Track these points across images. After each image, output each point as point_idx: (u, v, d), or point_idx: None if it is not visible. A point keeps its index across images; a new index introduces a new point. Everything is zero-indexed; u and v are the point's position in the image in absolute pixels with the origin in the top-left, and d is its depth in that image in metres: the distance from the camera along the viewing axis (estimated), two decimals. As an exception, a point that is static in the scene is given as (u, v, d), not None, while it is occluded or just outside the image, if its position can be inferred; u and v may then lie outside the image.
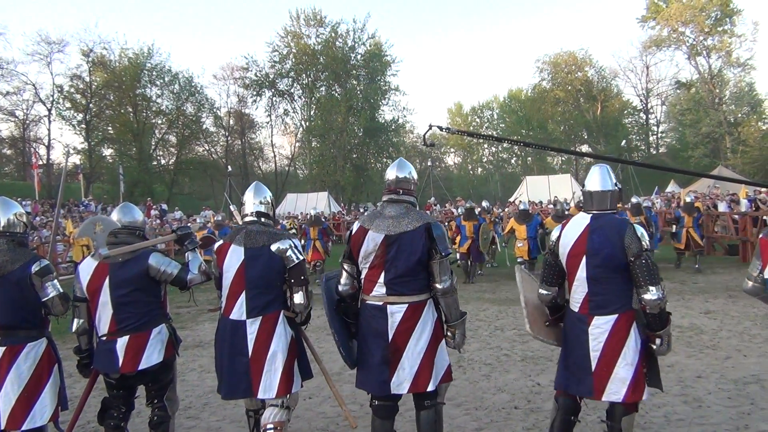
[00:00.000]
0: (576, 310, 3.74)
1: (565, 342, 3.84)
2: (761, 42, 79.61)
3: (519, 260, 12.74)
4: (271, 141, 56.62)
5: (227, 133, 53.46)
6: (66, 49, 41.47)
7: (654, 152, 56.43)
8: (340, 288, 3.94)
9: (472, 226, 13.52)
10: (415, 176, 4.02)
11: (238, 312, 3.84)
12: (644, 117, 57.09)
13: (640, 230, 3.61)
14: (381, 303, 3.72)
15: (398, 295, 3.69)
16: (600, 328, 3.59)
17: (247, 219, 4.11)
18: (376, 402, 3.81)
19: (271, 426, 3.76)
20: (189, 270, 4.19)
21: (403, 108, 51.40)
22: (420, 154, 59.68)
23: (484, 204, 17.94)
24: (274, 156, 56.88)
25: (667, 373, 5.61)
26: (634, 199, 14.23)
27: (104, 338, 3.92)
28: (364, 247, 3.77)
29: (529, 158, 59.39)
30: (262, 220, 4.10)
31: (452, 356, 7.10)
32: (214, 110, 51.49)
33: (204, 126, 51.13)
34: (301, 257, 3.96)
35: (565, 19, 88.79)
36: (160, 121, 48.09)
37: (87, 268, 4.01)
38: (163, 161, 50.33)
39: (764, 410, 4.87)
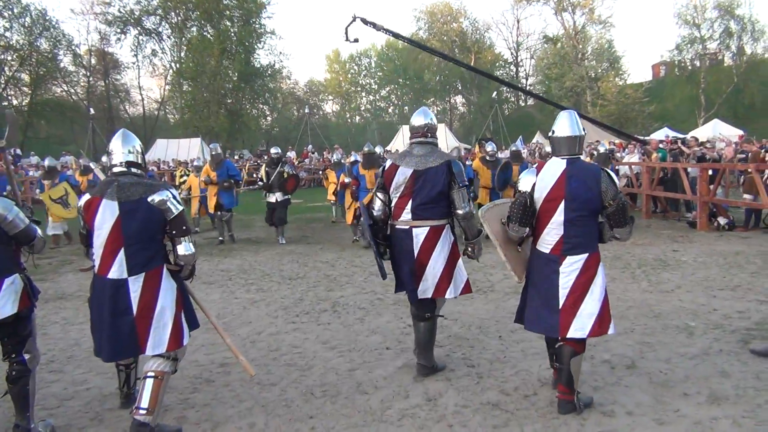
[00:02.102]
0: (547, 251, 3.90)
1: (532, 283, 4.03)
2: (621, 2, 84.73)
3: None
4: (138, 83, 53.20)
5: (88, 73, 49.54)
6: None
7: (523, 104, 59.05)
8: (375, 213, 4.70)
9: (374, 176, 9.94)
10: (435, 121, 4.81)
11: (118, 271, 3.64)
12: (514, 70, 59.34)
13: (613, 175, 3.88)
14: (407, 227, 4.51)
15: (422, 220, 4.47)
16: (572, 266, 3.80)
17: (116, 170, 3.85)
18: (415, 309, 4.66)
19: (152, 374, 3.66)
20: (36, 230, 3.92)
21: (280, 53, 50.34)
22: (297, 101, 58.66)
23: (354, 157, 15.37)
24: (142, 99, 53.64)
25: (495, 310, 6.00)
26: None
27: (-52, 291, 3.60)
28: (396, 179, 4.53)
29: (406, 108, 60.14)
30: (133, 170, 3.86)
31: (327, 302, 7.22)
32: (73, 47, 47.40)
33: (61, 64, 47.03)
34: (181, 207, 3.80)
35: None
36: (9, 58, 43.66)
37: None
38: (15, 101, 45.88)
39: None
